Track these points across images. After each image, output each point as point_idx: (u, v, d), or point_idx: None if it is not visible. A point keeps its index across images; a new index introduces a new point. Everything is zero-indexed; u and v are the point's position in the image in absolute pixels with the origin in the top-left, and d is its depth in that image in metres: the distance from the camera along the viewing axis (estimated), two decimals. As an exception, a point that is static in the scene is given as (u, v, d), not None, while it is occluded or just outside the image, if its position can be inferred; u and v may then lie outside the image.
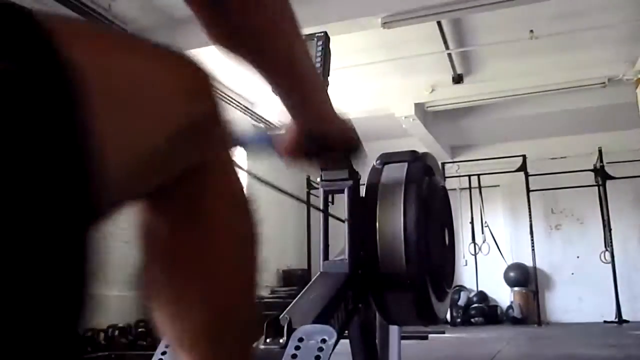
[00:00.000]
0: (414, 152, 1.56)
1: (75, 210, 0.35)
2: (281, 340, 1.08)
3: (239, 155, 0.73)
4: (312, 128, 0.80)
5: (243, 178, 0.66)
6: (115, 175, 0.41)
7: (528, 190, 7.48)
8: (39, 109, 0.33)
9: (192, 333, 0.62)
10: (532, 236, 7.41)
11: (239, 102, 6.80)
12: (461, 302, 7.91)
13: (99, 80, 0.40)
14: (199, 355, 0.63)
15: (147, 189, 0.55)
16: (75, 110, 0.36)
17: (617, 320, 7.10)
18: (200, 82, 0.56)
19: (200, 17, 0.58)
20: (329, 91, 1.38)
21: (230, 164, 0.63)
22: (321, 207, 1.48)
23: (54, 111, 0.34)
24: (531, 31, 5.57)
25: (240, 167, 0.67)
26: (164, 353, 1.03)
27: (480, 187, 8.05)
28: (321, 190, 1.48)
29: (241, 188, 0.64)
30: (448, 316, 7.29)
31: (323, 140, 0.83)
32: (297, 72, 0.69)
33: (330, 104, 0.80)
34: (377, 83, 6.82)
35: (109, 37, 0.50)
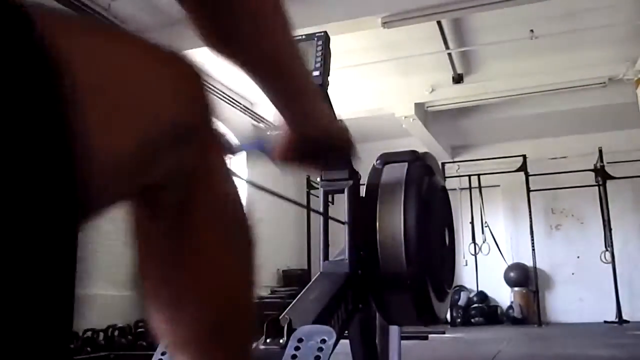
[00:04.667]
0: (414, 152, 1.56)
1: (62, 209, 0.35)
2: (281, 341, 1.08)
3: (236, 162, 0.71)
4: (305, 131, 0.78)
5: (240, 184, 0.65)
6: (101, 174, 0.41)
7: (528, 190, 7.47)
8: (24, 105, 0.33)
9: (189, 336, 0.62)
10: (532, 236, 7.40)
11: (238, 102, 6.79)
12: (461, 302, 7.91)
13: (87, 75, 0.39)
14: (197, 358, 0.62)
15: (135, 189, 0.54)
16: (61, 106, 0.35)
17: (617, 320, 7.08)
18: (192, 83, 0.55)
19: (191, 17, 0.58)
20: (328, 91, 1.39)
21: (223, 167, 0.62)
22: (321, 208, 1.48)
23: (39, 107, 0.34)
24: (531, 31, 5.57)
25: (236, 174, 0.66)
26: (163, 353, 1.03)
27: (480, 187, 8.04)
28: (321, 190, 1.48)
29: (235, 191, 0.63)
30: (448, 316, 7.29)
31: (316, 143, 0.80)
32: (287, 75, 0.67)
33: (323, 106, 0.79)
34: (377, 83, 6.81)
35: (101, 32, 0.50)
